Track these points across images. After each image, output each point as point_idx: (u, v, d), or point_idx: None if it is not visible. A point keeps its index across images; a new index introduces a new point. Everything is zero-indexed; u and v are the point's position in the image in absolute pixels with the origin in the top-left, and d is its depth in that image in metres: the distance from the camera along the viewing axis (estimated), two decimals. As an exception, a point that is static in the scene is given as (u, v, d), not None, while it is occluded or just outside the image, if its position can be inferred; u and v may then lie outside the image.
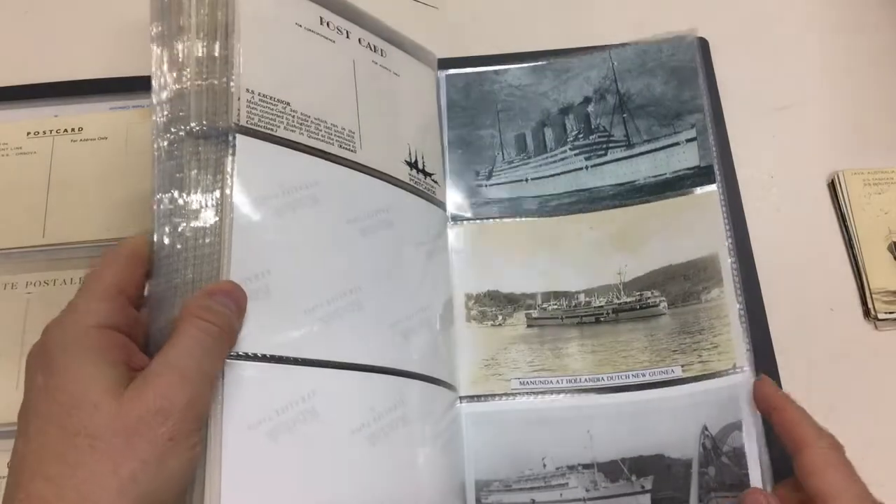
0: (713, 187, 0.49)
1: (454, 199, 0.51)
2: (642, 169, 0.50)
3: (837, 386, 0.47)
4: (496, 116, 0.53)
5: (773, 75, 0.57)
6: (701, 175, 0.49)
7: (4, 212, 0.50)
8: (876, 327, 0.49)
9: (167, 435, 0.29)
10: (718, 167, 0.50)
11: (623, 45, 0.53)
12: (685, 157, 0.50)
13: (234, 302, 0.34)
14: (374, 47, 0.46)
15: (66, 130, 0.53)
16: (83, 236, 0.49)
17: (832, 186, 0.53)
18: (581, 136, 0.52)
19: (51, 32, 0.60)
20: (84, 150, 0.52)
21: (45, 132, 0.53)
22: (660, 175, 0.50)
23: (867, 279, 0.49)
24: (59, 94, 0.55)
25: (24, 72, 0.56)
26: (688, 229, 0.48)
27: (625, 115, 0.51)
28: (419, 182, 0.47)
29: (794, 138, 0.54)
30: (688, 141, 0.50)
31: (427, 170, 0.48)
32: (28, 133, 0.53)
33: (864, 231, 0.50)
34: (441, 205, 0.49)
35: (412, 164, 0.46)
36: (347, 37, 0.44)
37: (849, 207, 0.51)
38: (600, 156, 0.51)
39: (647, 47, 0.53)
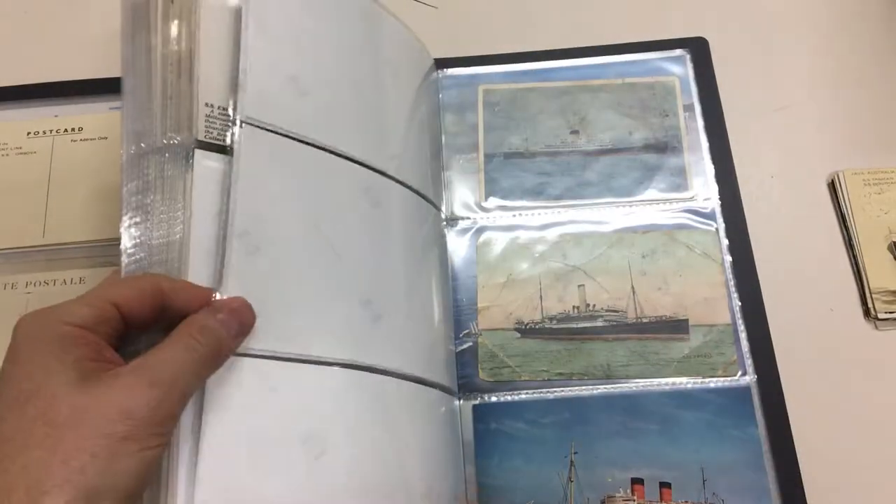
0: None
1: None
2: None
3: (837, 386, 0.47)
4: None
5: (773, 75, 0.57)
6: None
7: (4, 212, 0.50)
8: (876, 327, 0.49)
9: (122, 434, 0.29)
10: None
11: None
12: None
13: (238, 321, 0.34)
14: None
15: (66, 130, 0.53)
16: (83, 236, 0.49)
17: (832, 186, 0.53)
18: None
19: (51, 32, 0.60)
20: (84, 150, 0.52)
21: (45, 132, 0.53)
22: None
23: (867, 279, 0.49)
24: (59, 94, 0.55)
25: (24, 72, 0.56)
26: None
27: None
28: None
29: (794, 138, 0.54)
30: None
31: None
32: (28, 133, 0.53)
33: (864, 231, 0.50)
34: (433, 203, 0.49)
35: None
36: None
37: (849, 207, 0.51)
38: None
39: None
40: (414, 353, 0.42)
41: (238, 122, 0.37)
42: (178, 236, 0.35)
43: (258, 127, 0.38)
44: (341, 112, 0.42)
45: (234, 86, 0.38)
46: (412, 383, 0.41)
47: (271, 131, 0.38)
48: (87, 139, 0.53)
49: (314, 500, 0.35)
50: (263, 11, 0.40)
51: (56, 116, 0.54)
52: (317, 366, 0.37)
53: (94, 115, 0.54)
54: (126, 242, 0.35)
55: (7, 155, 0.52)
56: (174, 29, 0.38)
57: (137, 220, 0.35)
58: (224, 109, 0.38)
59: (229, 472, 0.33)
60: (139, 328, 0.33)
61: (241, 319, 0.34)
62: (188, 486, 0.32)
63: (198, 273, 0.34)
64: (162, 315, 0.33)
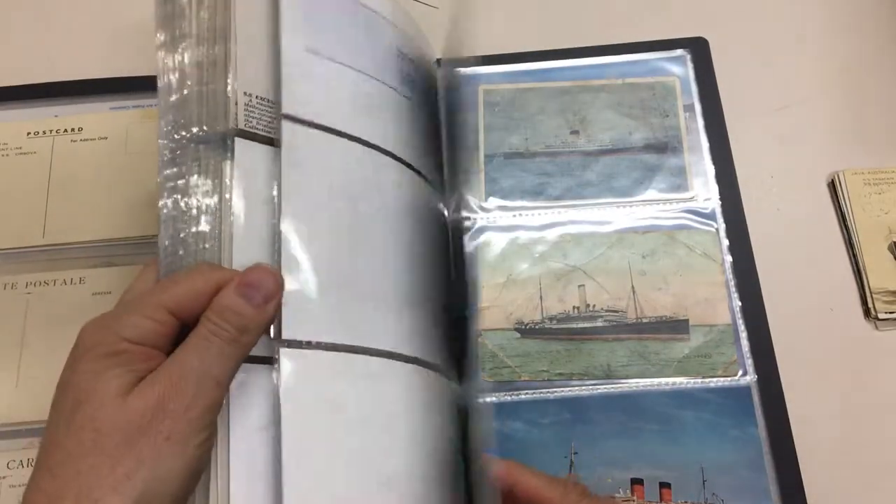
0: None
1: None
2: None
3: (837, 386, 0.47)
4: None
5: (773, 75, 0.57)
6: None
7: (4, 212, 0.50)
8: (876, 327, 0.49)
9: (164, 434, 0.29)
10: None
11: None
12: None
13: (259, 291, 0.33)
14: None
15: (66, 130, 0.53)
16: (83, 236, 0.49)
17: (832, 186, 0.53)
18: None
19: (51, 32, 0.60)
20: (84, 150, 0.52)
21: (45, 132, 0.53)
22: None
23: (867, 279, 0.49)
24: (59, 94, 0.55)
25: (24, 72, 0.56)
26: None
27: None
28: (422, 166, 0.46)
29: (794, 138, 0.54)
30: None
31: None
32: (28, 133, 0.53)
33: (864, 231, 0.50)
34: (438, 190, 0.49)
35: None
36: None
37: (849, 207, 0.51)
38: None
39: None
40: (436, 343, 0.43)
41: (280, 115, 0.37)
42: (215, 225, 0.35)
43: (299, 121, 0.38)
44: (370, 104, 0.42)
45: (276, 77, 0.37)
46: (431, 371, 0.41)
47: (312, 125, 0.38)
48: (87, 139, 0.53)
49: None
50: (299, 3, 0.40)
51: (56, 116, 0.54)
52: (369, 357, 0.37)
53: (94, 115, 0.53)
54: (164, 230, 0.35)
55: (7, 155, 0.52)
56: (206, 13, 0.38)
57: (174, 206, 0.35)
58: (263, 99, 0.37)
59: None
60: (195, 324, 0.33)
61: (262, 287, 0.33)
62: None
63: (242, 264, 0.34)
64: None
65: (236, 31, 0.38)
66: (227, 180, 0.36)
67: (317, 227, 0.37)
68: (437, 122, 0.52)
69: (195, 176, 0.36)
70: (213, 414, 0.31)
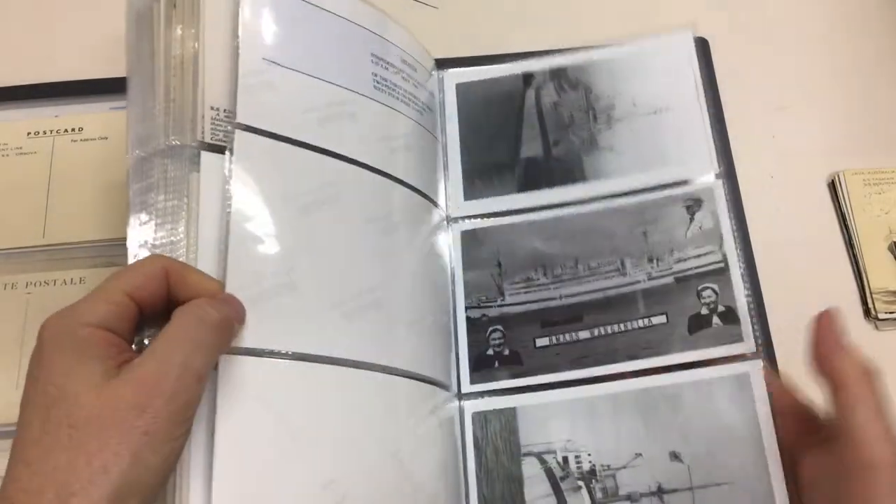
0: None
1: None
2: None
3: (837, 386, 0.47)
4: None
5: (773, 75, 0.57)
6: None
7: (4, 212, 0.50)
8: (876, 327, 0.49)
9: (142, 429, 0.29)
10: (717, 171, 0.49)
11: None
12: None
13: (234, 310, 0.34)
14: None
15: (66, 130, 0.53)
16: (83, 236, 0.49)
17: (832, 186, 0.53)
18: None
19: (51, 32, 0.60)
20: (84, 150, 0.52)
21: (45, 132, 0.53)
22: None
23: (867, 279, 0.49)
24: (59, 94, 0.55)
25: (24, 72, 0.56)
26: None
27: None
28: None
29: (794, 138, 0.55)
30: None
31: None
32: (28, 133, 0.53)
33: (864, 231, 0.50)
34: (435, 203, 0.49)
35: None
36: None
37: (849, 207, 0.51)
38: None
39: None
40: (420, 350, 0.43)
41: (235, 126, 0.37)
42: (181, 236, 0.36)
43: (255, 131, 0.38)
44: (341, 114, 0.42)
45: (234, 89, 0.38)
46: (414, 381, 0.41)
47: (268, 134, 0.38)
48: (87, 139, 0.53)
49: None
50: (258, 14, 0.40)
51: (56, 116, 0.54)
52: (317, 364, 0.37)
53: (94, 115, 0.54)
54: (132, 243, 0.35)
55: (7, 155, 0.52)
56: (178, 32, 0.38)
57: (143, 219, 0.36)
58: (230, 112, 0.38)
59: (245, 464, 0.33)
60: (152, 314, 0.33)
61: (234, 307, 0.34)
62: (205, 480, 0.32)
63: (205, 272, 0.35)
64: (173, 298, 0.33)
65: (204, 46, 0.38)
66: (194, 192, 0.36)
67: (266, 234, 0.37)
68: (431, 127, 0.52)
69: (162, 188, 0.36)
70: (192, 409, 0.31)
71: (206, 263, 0.35)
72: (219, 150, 0.37)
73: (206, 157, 0.37)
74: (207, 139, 0.37)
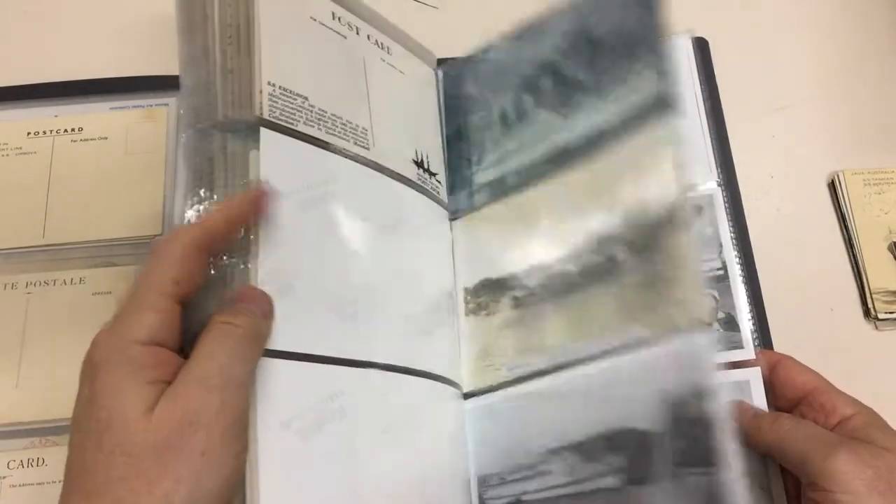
0: (678, 120, 0.41)
1: (454, 196, 0.50)
2: (612, 112, 0.44)
3: (837, 386, 0.47)
4: (485, 97, 0.50)
5: (773, 75, 0.57)
6: (662, 106, 0.41)
7: (4, 212, 0.50)
8: (876, 327, 0.49)
9: (199, 449, 0.28)
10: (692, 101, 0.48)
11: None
12: (647, 89, 0.43)
13: (259, 306, 0.33)
14: (382, 44, 0.46)
15: (66, 130, 0.53)
16: (83, 236, 0.49)
17: (832, 186, 0.53)
18: (558, 93, 0.47)
19: (51, 32, 0.60)
20: (84, 150, 0.52)
21: (45, 132, 0.53)
22: (626, 116, 0.43)
23: (867, 279, 0.49)
24: (59, 94, 0.54)
25: (24, 72, 0.56)
26: (655, 170, 0.41)
27: (594, 58, 0.46)
28: (425, 181, 0.47)
29: (794, 138, 0.55)
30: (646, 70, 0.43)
31: (432, 169, 0.48)
32: (28, 133, 0.53)
33: (864, 231, 0.50)
34: (443, 204, 0.49)
35: (419, 164, 0.46)
36: (357, 33, 0.44)
37: (849, 207, 0.51)
38: (573, 108, 0.46)
39: None
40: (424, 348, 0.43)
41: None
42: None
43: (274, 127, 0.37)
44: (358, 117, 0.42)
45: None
46: (422, 378, 0.42)
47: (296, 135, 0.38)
48: (87, 139, 0.52)
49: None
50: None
51: (56, 116, 0.54)
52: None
53: (94, 115, 0.53)
54: (188, 220, 0.34)
55: (7, 155, 0.52)
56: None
57: (199, 197, 0.34)
58: (286, 90, 0.37)
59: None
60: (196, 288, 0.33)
61: (261, 304, 0.33)
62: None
63: (269, 252, 0.34)
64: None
65: (260, 18, 0.37)
66: (253, 169, 0.35)
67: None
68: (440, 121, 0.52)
69: (221, 165, 0.35)
70: (243, 421, 0.30)
71: (270, 243, 0.34)
72: (276, 128, 0.36)
73: (266, 135, 0.36)
74: (266, 115, 0.36)
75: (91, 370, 0.30)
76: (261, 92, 0.36)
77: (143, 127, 0.52)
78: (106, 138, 0.52)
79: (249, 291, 0.33)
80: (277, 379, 0.33)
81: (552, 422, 0.42)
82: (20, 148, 0.52)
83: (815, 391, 0.40)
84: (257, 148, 0.36)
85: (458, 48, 0.56)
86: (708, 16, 0.58)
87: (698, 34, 0.56)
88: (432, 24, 0.57)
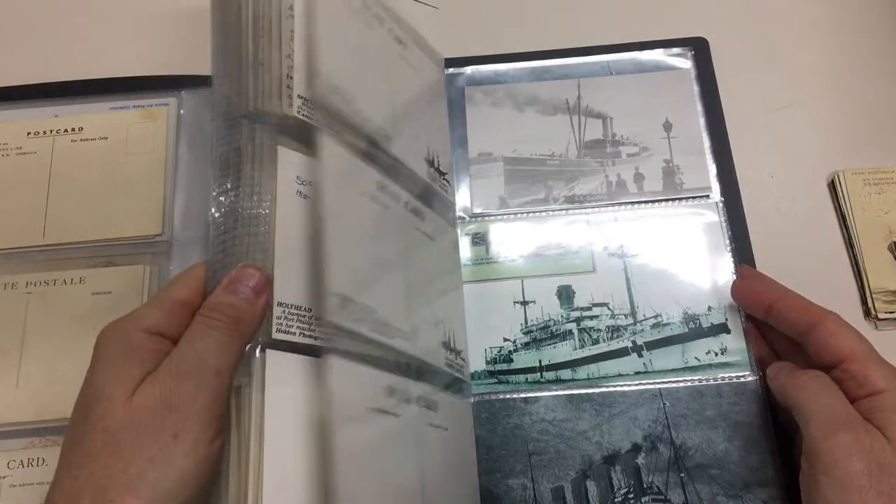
0: None
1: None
2: None
3: (837, 386, 0.47)
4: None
5: (773, 75, 0.57)
6: None
7: (4, 212, 0.50)
8: (876, 327, 0.49)
9: (172, 431, 0.29)
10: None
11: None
12: None
13: (253, 288, 0.34)
14: (400, 39, 0.46)
15: (66, 130, 0.53)
16: (83, 236, 0.49)
17: (832, 186, 0.53)
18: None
19: (51, 32, 0.60)
20: (84, 150, 0.52)
21: (45, 132, 0.53)
22: None
23: (867, 279, 0.49)
24: (59, 94, 0.55)
25: (24, 72, 0.56)
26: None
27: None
28: (436, 180, 0.47)
29: (794, 138, 0.54)
30: None
31: (441, 168, 0.48)
32: (28, 133, 0.53)
33: (864, 231, 0.50)
34: (451, 204, 0.49)
35: (430, 162, 0.46)
36: (381, 25, 0.44)
37: (849, 207, 0.51)
38: None
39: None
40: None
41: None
42: (266, 210, 0.35)
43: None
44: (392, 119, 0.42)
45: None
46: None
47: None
48: (87, 139, 0.53)
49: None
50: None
51: (56, 116, 0.54)
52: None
53: (94, 115, 0.53)
54: (216, 209, 0.35)
55: (7, 155, 0.52)
56: None
57: (228, 186, 0.35)
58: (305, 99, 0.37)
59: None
60: None
61: (255, 285, 0.34)
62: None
63: (285, 251, 0.34)
64: None
65: (296, 9, 0.37)
66: (280, 165, 0.36)
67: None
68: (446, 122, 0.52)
69: (249, 157, 0.35)
70: (218, 407, 0.31)
71: (285, 243, 0.35)
72: (301, 128, 0.36)
73: (289, 134, 0.36)
74: (294, 113, 0.36)
75: (95, 352, 0.32)
76: (289, 87, 0.36)
77: (143, 127, 0.52)
78: (106, 138, 0.52)
79: (241, 272, 0.34)
80: (292, 374, 0.34)
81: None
82: (20, 148, 0.52)
83: (850, 358, 0.38)
84: (283, 143, 0.36)
85: (458, 48, 0.56)
86: (708, 16, 0.58)
87: (698, 34, 0.56)
88: (432, 24, 0.57)
